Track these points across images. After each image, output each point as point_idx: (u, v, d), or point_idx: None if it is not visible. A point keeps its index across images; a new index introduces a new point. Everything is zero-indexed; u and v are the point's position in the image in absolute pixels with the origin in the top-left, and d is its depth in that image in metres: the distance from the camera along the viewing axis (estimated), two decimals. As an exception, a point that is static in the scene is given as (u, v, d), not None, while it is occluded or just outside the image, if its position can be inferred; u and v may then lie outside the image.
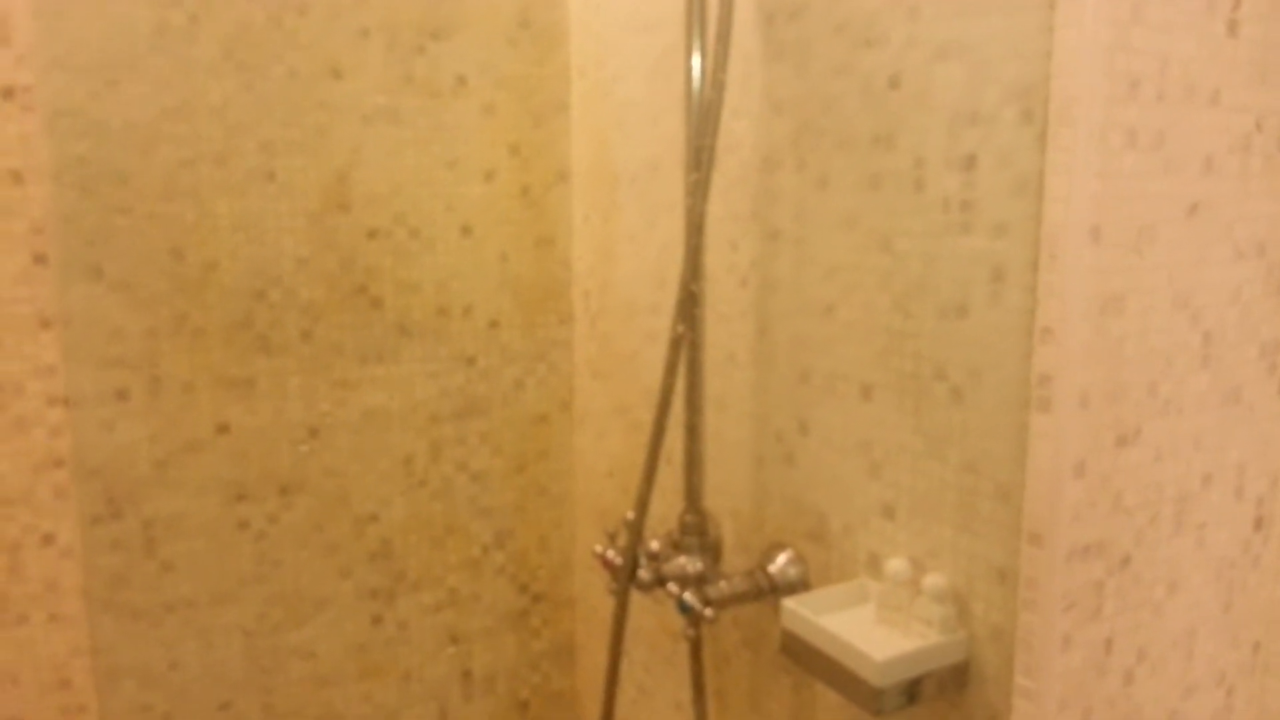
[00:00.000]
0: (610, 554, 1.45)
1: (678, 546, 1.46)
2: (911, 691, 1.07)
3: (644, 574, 1.40)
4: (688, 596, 1.32)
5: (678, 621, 1.44)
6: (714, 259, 1.43)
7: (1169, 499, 1.06)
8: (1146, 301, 0.99)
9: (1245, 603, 1.18)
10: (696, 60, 1.35)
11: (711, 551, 1.47)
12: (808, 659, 1.15)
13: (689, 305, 1.33)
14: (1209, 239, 1.03)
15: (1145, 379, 1.01)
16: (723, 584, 1.35)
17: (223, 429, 1.60)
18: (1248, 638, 1.19)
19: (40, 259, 1.46)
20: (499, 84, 1.73)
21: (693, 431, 1.45)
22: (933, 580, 1.08)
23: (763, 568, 1.36)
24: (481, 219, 1.75)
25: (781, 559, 1.35)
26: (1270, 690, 1.22)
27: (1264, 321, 1.10)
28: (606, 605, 1.81)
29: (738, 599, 1.35)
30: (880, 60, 1.14)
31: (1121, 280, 0.97)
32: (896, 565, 1.13)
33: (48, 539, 1.52)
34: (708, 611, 1.31)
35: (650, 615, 1.67)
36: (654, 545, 1.40)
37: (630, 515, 1.39)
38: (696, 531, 1.45)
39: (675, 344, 1.32)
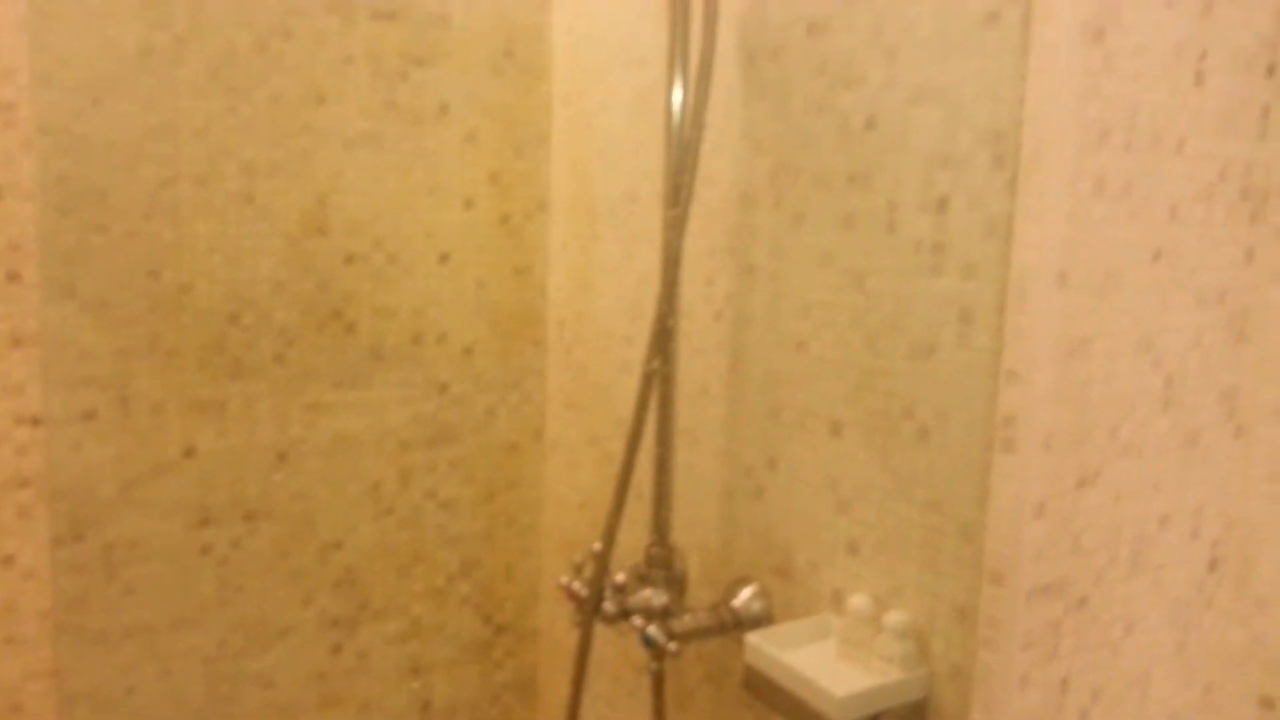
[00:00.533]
0: (576, 585, 1.44)
1: (643, 579, 1.46)
2: (871, 727, 1.08)
3: (609, 606, 1.39)
4: (652, 630, 1.32)
5: (641, 655, 1.44)
6: (690, 293, 1.44)
7: (1127, 540, 1.08)
8: (1111, 346, 1.01)
9: (1199, 643, 1.19)
10: (678, 96, 1.36)
11: (677, 585, 1.47)
12: (769, 694, 1.16)
13: (664, 340, 1.34)
14: (1172, 285, 1.05)
15: (1108, 422, 1.03)
16: (687, 618, 1.35)
17: (190, 452, 1.59)
18: (1201, 679, 1.20)
19: (14, 277, 1.45)
20: (481, 112, 1.74)
21: (663, 464, 1.46)
22: (894, 617, 1.09)
23: (727, 602, 1.36)
24: (460, 246, 1.75)
25: (746, 593, 1.35)
26: (1224, 731, 1.23)
27: (1223, 367, 1.12)
28: (570, 637, 1.81)
29: (702, 633, 1.35)
30: (858, 101, 1.16)
31: (1087, 324, 0.98)
32: (859, 601, 1.13)
33: (8, 560, 1.50)
34: (671, 645, 1.31)
35: (613, 648, 1.67)
36: (620, 577, 1.40)
37: (597, 546, 1.39)
38: (663, 564, 1.46)
39: (648, 378, 1.33)
